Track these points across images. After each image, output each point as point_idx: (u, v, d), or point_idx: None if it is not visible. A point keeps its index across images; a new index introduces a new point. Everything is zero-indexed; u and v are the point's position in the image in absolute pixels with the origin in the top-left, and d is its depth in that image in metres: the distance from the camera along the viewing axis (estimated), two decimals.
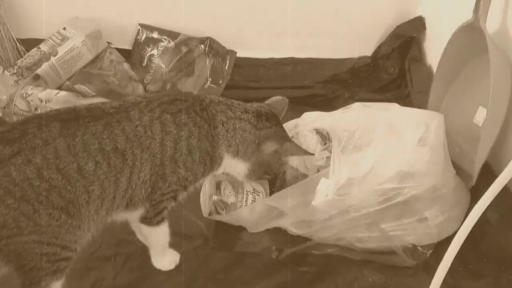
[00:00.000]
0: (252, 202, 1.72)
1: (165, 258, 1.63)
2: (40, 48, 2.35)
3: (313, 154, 1.68)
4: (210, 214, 1.74)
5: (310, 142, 1.72)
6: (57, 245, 1.33)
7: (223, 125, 1.49)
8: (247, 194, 1.73)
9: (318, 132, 1.75)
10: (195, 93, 2.39)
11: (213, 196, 1.73)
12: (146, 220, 1.50)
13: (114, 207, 1.40)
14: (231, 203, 1.73)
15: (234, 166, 1.56)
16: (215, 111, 1.50)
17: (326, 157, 1.70)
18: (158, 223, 1.52)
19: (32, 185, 1.27)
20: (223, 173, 1.59)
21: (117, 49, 2.49)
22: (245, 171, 1.57)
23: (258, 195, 1.74)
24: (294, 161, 1.73)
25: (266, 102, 1.63)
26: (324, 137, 1.73)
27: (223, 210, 1.72)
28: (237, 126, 1.50)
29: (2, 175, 1.25)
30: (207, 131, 1.47)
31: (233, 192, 1.73)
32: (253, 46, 2.52)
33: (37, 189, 1.27)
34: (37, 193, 1.27)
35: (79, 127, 1.32)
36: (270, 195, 1.77)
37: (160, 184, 1.44)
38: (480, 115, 1.76)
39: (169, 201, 1.50)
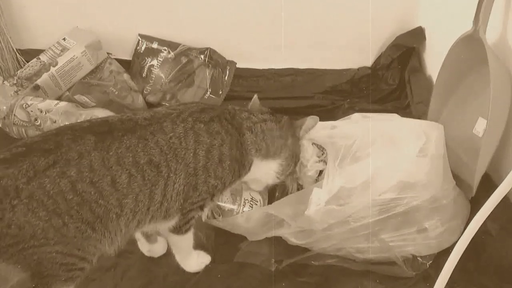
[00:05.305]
0: (249, 211, 1.73)
1: (192, 261, 1.64)
2: (40, 58, 2.36)
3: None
4: (207, 217, 1.75)
5: (306, 152, 1.73)
6: (77, 256, 1.34)
7: (250, 131, 1.54)
8: (244, 202, 1.74)
9: (314, 143, 1.76)
10: None
11: None
12: (176, 229, 1.52)
13: (147, 219, 1.41)
14: (228, 210, 1.74)
15: (264, 168, 1.61)
16: (241, 118, 1.55)
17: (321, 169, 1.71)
18: (186, 231, 1.54)
19: (65, 199, 1.27)
20: (246, 181, 1.66)
21: (117, 59, 2.50)
22: (277, 168, 1.63)
23: (256, 204, 1.75)
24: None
25: (249, 107, 1.68)
26: (321, 148, 1.73)
27: (219, 215, 1.73)
28: (264, 128, 1.57)
29: (36, 187, 1.24)
30: (237, 139, 1.51)
31: (231, 199, 1.74)
32: (253, 57, 2.53)
33: (70, 202, 1.27)
34: (69, 206, 1.27)
35: (113, 140, 1.33)
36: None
37: (191, 193, 1.45)
38: (480, 126, 1.76)
39: (197, 210, 1.52)
